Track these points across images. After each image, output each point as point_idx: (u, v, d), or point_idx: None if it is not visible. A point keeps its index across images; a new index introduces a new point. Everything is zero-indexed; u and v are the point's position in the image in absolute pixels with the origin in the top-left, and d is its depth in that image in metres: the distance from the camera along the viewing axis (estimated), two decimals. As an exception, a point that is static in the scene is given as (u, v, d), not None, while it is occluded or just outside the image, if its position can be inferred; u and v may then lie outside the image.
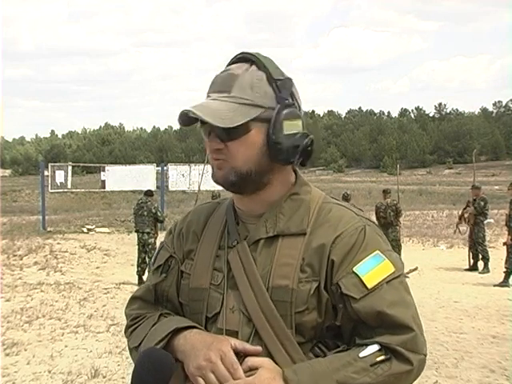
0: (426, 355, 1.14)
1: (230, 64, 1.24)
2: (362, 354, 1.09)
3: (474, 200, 11.22)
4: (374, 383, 1.08)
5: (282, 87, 1.19)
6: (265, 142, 1.18)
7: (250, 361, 1.11)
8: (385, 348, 1.09)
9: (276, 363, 1.12)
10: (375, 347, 1.09)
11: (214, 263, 1.25)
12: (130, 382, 1.16)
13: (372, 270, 1.14)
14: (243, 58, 1.22)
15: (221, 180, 1.21)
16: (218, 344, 1.13)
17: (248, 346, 1.14)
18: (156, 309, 1.31)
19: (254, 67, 1.20)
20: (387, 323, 1.11)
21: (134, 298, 1.37)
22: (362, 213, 1.26)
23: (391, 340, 1.09)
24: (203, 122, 1.19)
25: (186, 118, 1.19)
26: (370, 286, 1.13)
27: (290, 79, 1.21)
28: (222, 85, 1.19)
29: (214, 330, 1.21)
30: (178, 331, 1.19)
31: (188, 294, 1.27)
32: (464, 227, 11.65)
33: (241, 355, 1.13)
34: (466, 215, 11.32)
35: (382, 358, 1.09)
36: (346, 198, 11.89)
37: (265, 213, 1.23)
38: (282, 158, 1.18)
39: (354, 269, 1.14)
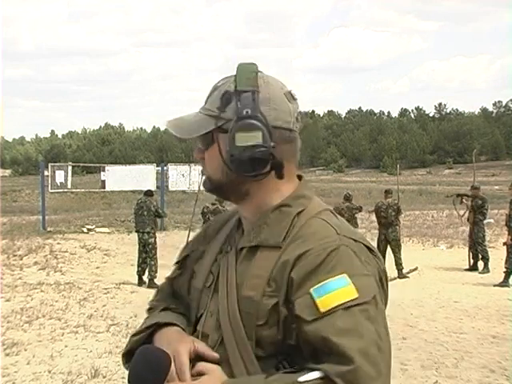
0: None
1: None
2: (301, 379, 1.04)
3: (472, 200, 11.24)
4: None
5: (245, 98, 1.17)
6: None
7: (200, 366, 1.12)
8: (327, 377, 1.03)
9: (232, 372, 1.13)
10: (316, 374, 1.04)
11: (212, 266, 1.28)
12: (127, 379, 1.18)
13: (330, 293, 1.07)
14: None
15: (203, 185, 1.28)
16: (177, 344, 1.16)
17: (207, 352, 1.15)
18: (169, 302, 1.36)
19: (233, 79, 1.20)
20: (331, 351, 1.04)
21: (157, 290, 1.45)
22: (350, 231, 1.18)
23: (331, 369, 1.03)
24: None
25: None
26: (322, 309, 1.06)
27: (258, 91, 1.18)
28: (206, 97, 1.24)
29: (195, 332, 1.25)
30: (160, 326, 1.24)
31: (192, 293, 1.31)
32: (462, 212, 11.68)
33: (200, 359, 1.15)
34: (464, 199, 11.36)
35: None
36: (347, 198, 11.93)
37: (254, 221, 1.24)
38: (237, 169, 1.18)
39: (311, 290, 1.08)
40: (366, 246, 1.17)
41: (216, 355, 1.15)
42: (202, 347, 1.16)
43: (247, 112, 1.17)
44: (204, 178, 1.27)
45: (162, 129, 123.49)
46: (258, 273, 1.16)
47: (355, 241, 1.15)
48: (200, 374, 1.11)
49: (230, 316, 1.16)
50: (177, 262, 1.41)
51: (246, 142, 1.17)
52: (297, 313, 1.09)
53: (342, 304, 1.06)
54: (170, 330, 1.23)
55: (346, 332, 1.05)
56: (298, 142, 1.23)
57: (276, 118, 1.18)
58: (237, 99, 1.18)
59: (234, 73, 1.22)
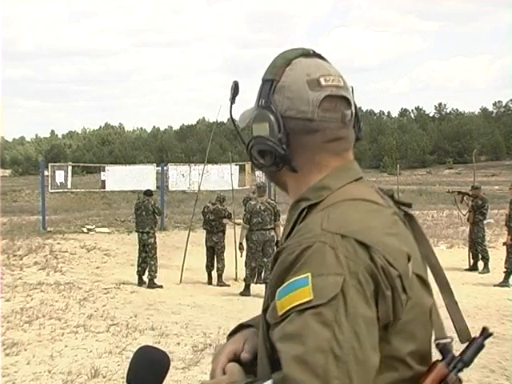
0: None
1: None
2: None
3: (473, 200, 11.24)
4: None
5: (265, 88, 1.17)
6: None
7: (227, 366, 1.14)
8: None
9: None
10: (269, 383, 0.98)
11: None
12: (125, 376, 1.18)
13: (287, 295, 0.99)
14: None
15: None
16: (227, 344, 1.20)
17: (242, 353, 1.17)
18: None
19: None
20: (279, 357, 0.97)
21: None
22: (342, 225, 1.03)
23: (274, 377, 0.97)
24: None
25: None
26: (280, 312, 0.99)
27: (277, 80, 1.15)
28: None
29: None
30: (243, 327, 1.25)
31: None
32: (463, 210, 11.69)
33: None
34: (465, 198, 11.36)
35: None
36: None
37: None
38: (252, 160, 1.19)
39: (278, 291, 1.01)
40: (359, 241, 1.01)
41: (246, 356, 1.15)
42: (246, 347, 1.16)
43: (262, 102, 1.17)
44: None
45: (162, 129, 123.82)
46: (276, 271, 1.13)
47: (343, 236, 1.01)
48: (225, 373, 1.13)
49: (262, 316, 1.14)
50: None
51: (257, 133, 1.17)
52: (266, 317, 1.06)
53: (295, 307, 0.97)
54: (244, 331, 1.22)
55: (289, 337, 0.96)
56: (332, 131, 1.14)
57: (289, 107, 1.13)
58: (260, 89, 1.18)
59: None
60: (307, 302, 0.96)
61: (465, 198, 11.45)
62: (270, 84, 1.16)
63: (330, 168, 1.15)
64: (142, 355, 1.18)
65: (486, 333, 1.09)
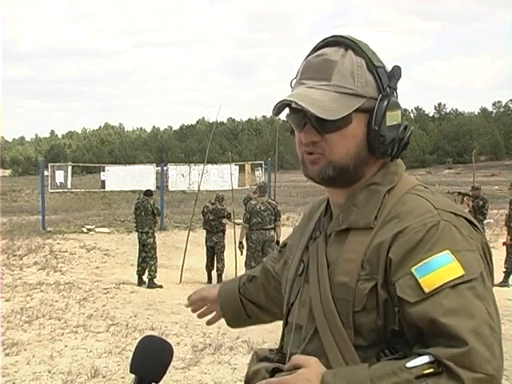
0: (489, 374, 0.96)
1: (319, 48, 1.17)
2: (409, 364, 0.98)
3: (473, 200, 11.23)
4: None
5: (383, 75, 1.13)
6: (365, 134, 1.12)
7: (295, 359, 1.07)
8: (437, 361, 0.97)
9: (329, 363, 1.08)
10: (426, 358, 0.98)
11: (303, 254, 1.24)
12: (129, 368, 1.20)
13: (434, 271, 1.00)
14: (335, 42, 1.15)
15: (316, 175, 1.15)
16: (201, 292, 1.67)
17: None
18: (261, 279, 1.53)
19: (350, 52, 1.13)
20: (441, 333, 0.98)
21: (266, 259, 1.57)
22: (449, 205, 1.11)
23: (441, 352, 0.96)
24: (294, 111, 1.14)
25: (282, 107, 1.15)
26: (427, 289, 1.00)
27: (396, 66, 1.15)
28: (319, 71, 1.12)
29: (288, 323, 1.24)
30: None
31: (284, 286, 1.31)
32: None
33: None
34: (465, 199, 11.33)
35: (431, 371, 0.96)
36: None
37: (343, 203, 1.18)
38: (383, 150, 1.13)
39: (413, 269, 1.02)
40: (466, 219, 1.09)
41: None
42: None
43: (386, 89, 1.12)
44: (311, 166, 1.15)
45: (162, 129, 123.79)
46: (350, 257, 1.11)
47: (455, 215, 1.08)
48: (296, 368, 1.05)
49: (324, 305, 1.11)
50: (279, 250, 1.48)
51: (392, 122, 1.13)
52: (399, 294, 1.03)
53: (447, 282, 1.00)
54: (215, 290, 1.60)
55: (456, 312, 0.98)
56: None
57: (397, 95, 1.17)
58: (376, 76, 1.12)
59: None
60: (460, 277, 1.00)
61: (465, 198, 11.44)
62: (383, 70, 1.14)
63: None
64: (146, 344, 1.18)
65: None
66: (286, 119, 1.20)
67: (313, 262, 1.18)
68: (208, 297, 1.59)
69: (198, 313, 1.63)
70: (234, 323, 1.56)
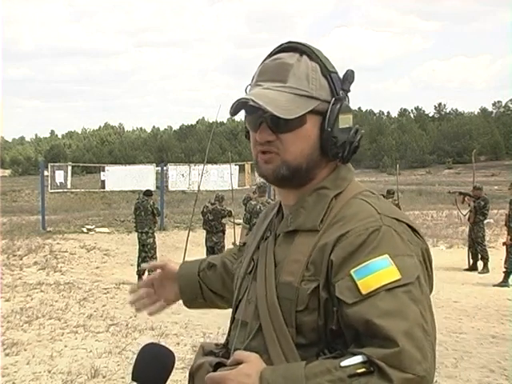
0: (418, 375, 0.99)
1: (275, 53, 1.21)
2: (343, 363, 1.01)
3: (475, 200, 11.23)
4: None
5: (336, 80, 1.17)
6: (318, 135, 1.16)
7: (237, 354, 1.10)
8: (369, 361, 1.00)
9: (271, 360, 1.10)
10: (359, 358, 1.01)
11: (254, 253, 1.28)
12: (131, 372, 1.19)
13: (371, 274, 1.04)
14: (291, 48, 1.19)
15: (270, 174, 1.18)
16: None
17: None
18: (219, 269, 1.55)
19: (305, 57, 1.17)
20: (375, 334, 1.01)
21: (225, 252, 1.61)
22: (392, 211, 1.15)
23: (373, 353, 0.99)
24: (251, 112, 1.17)
25: (238, 107, 1.17)
26: (364, 291, 1.04)
27: (350, 70, 1.21)
28: (275, 74, 1.16)
29: (234, 320, 1.27)
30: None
31: (235, 283, 1.33)
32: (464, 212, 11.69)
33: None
34: (466, 199, 11.34)
35: (363, 370, 0.99)
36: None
37: (292, 205, 1.22)
38: (335, 152, 1.17)
39: (352, 271, 1.06)
40: (408, 225, 1.13)
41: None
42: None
43: (339, 93, 1.17)
44: (265, 165, 1.18)
45: (162, 129, 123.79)
46: (296, 257, 1.14)
47: (398, 220, 1.12)
48: (238, 363, 1.08)
49: (268, 303, 1.14)
50: (238, 249, 1.50)
51: (344, 125, 1.17)
52: (337, 295, 1.06)
53: (384, 285, 1.03)
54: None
55: (390, 314, 1.01)
56: None
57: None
58: (330, 80, 1.17)
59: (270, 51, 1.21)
60: (397, 281, 1.04)
61: (466, 198, 11.43)
62: (337, 76, 1.18)
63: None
64: (147, 352, 1.19)
65: None
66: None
67: (261, 261, 1.22)
68: (168, 267, 1.54)
69: (142, 302, 1.55)
70: (190, 304, 1.58)
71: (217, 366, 1.16)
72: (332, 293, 1.08)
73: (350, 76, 1.20)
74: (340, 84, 1.18)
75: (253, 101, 1.11)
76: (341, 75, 1.21)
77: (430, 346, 1.03)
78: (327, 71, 1.17)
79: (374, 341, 1.01)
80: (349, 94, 1.20)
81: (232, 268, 1.49)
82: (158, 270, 1.56)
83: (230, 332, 1.29)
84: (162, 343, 1.25)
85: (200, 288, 1.54)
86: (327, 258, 1.10)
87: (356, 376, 0.99)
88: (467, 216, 11.48)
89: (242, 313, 1.23)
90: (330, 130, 1.15)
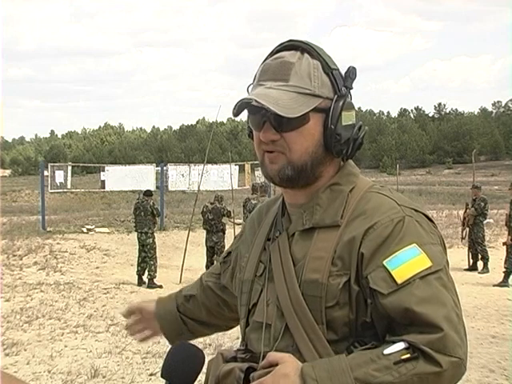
0: (461, 358, 1.04)
1: (276, 52, 1.21)
2: (386, 351, 1.02)
3: (474, 200, 11.21)
4: (396, 382, 1.01)
5: (338, 77, 1.17)
6: (321, 133, 1.16)
7: (271, 356, 1.09)
8: (412, 347, 1.02)
9: (303, 359, 1.10)
10: (401, 345, 1.02)
11: (261, 255, 1.26)
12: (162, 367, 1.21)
13: (404, 263, 1.07)
14: (292, 46, 1.19)
15: (275, 174, 1.18)
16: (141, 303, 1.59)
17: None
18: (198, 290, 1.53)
19: (307, 55, 1.17)
20: (415, 321, 1.03)
21: (203, 275, 1.56)
22: (408, 202, 1.17)
23: (417, 339, 1.02)
24: (254, 112, 1.17)
25: (241, 107, 1.17)
26: (399, 280, 1.06)
27: (352, 67, 1.21)
28: (277, 73, 1.15)
29: (251, 323, 1.24)
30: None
31: (239, 287, 1.31)
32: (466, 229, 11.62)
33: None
34: (466, 218, 11.30)
35: (408, 356, 1.01)
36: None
37: (304, 204, 1.21)
38: (338, 149, 1.17)
39: (385, 262, 1.07)
40: (425, 215, 1.17)
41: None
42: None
43: (342, 90, 1.17)
44: (270, 165, 1.18)
45: (162, 129, 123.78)
46: (318, 254, 1.14)
47: (416, 211, 1.15)
48: (272, 365, 1.07)
49: (293, 302, 1.14)
50: (222, 261, 1.46)
51: (348, 122, 1.17)
52: (372, 286, 1.07)
53: (418, 273, 1.06)
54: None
55: (428, 301, 1.04)
56: None
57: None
58: (332, 77, 1.17)
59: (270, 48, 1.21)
60: (428, 268, 1.07)
61: (466, 217, 11.34)
62: (338, 73, 1.18)
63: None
64: (178, 350, 1.20)
65: None
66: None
67: (276, 262, 1.20)
68: (145, 309, 1.55)
69: (132, 328, 1.58)
70: (175, 339, 1.54)
71: (248, 371, 1.15)
72: (363, 285, 1.09)
73: (351, 73, 1.20)
74: (342, 81, 1.18)
75: (256, 101, 1.11)
76: (342, 73, 1.21)
77: (464, 330, 1.08)
78: (329, 68, 1.17)
79: (413, 328, 1.03)
80: (351, 91, 1.20)
81: (218, 288, 1.48)
82: (133, 316, 1.55)
83: (244, 336, 1.28)
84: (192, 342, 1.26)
85: (183, 323, 1.52)
86: (357, 252, 1.10)
87: (401, 362, 1.01)
88: (468, 217, 11.41)
89: (262, 315, 1.20)
90: (333, 127, 1.15)
